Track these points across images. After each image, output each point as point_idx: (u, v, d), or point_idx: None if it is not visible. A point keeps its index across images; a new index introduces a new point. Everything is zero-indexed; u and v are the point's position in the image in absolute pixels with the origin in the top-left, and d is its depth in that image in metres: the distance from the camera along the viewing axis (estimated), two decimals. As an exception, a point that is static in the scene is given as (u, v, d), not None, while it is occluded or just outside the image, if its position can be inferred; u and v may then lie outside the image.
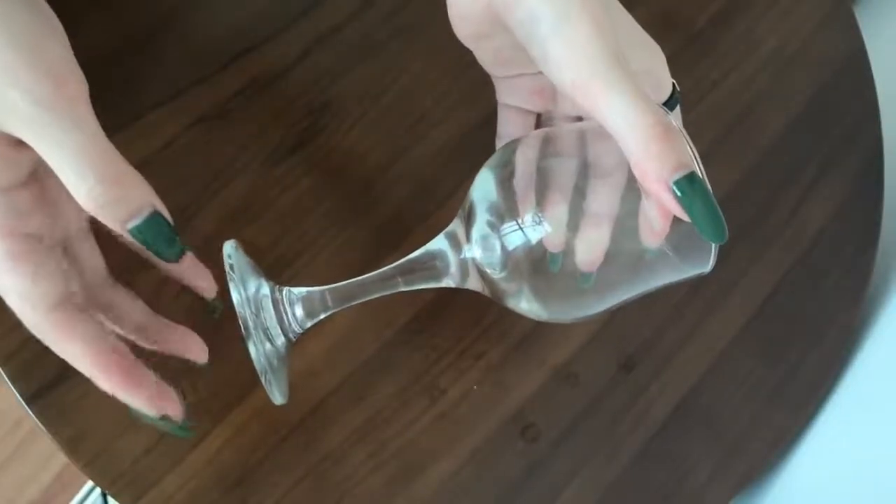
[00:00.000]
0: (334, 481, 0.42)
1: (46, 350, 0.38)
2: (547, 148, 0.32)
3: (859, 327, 0.55)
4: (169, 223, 0.28)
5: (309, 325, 0.34)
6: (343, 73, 0.44)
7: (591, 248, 0.30)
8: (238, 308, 0.31)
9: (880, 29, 0.68)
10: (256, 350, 0.31)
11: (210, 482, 0.40)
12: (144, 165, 0.40)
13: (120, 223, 0.27)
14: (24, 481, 0.97)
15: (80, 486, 0.90)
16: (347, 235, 0.43)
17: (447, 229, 0.34)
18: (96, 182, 0.26)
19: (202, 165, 0.41)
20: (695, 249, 0.30)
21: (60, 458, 0.93)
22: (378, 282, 0.34)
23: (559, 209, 0.30)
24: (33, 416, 0.38)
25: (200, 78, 0.42)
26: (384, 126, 0.44)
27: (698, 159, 0.28)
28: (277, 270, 0.42)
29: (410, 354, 0.44)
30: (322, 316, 0.34)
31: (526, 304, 0.33)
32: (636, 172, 0.27)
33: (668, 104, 0.35)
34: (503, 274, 0.32)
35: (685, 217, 0.27)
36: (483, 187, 0.32)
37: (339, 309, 0.34)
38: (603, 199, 0.30)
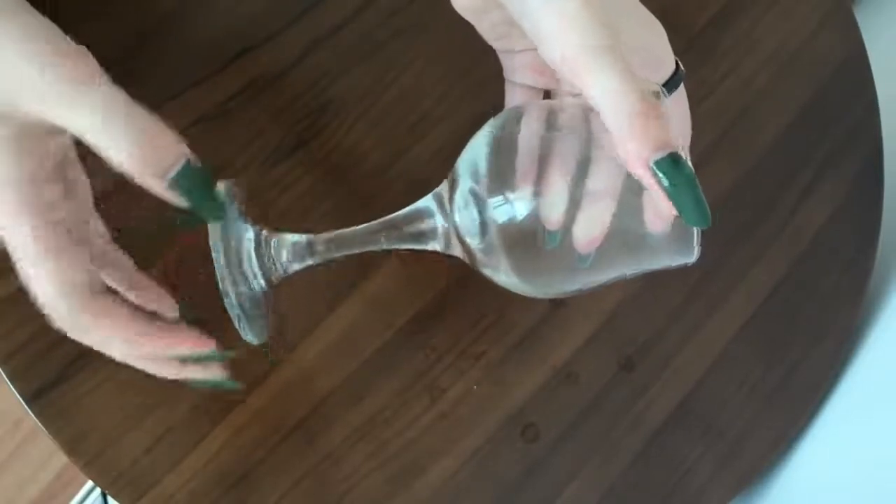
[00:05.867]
0: (334, 481, 0.42)
1: (47, 350, 0.38)
2: (550, 121, 0.32)
3: (859, 327, 0.55)
4: (203, 167, 0.29)
5: (293, 269, 0.33)
6: (343, 73, 0.44)
7: (589, 227, 0.30)
8: (212, 243, 0.31)
9: (880, 29, 0.68)
10: (230, 291, 0.31)
11: (210, 482, 0.40)
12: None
13: (160, 179, 0.28)
14: (24, 481, 0.97)
15: (80, 486, 0.90)
16: (347, 235, 0.43)
17: (436, 190, 0.33)
18: (134, 145, 0.27)
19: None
20: (681, 236, 0.29)
21: (60, 458, 0.93)
22: (363, 235, 0.33)
23: (558, 185, 0.30)
24: (33, 415, 0.38)
25: (200, 78, 0.42)
26: (384, 126, 0.44)
27: (684, 145, 0.28)
28: (277, 270, 0.42)
29: (410, 354, 0.44)
30: (296, 266, 0.33)
31: (504, 277, 0.32)
32: (618, 151, 0.27)
33: (672, 82, 0.34)
34: (481, 245, 0.31)
35: (665, 199, 0.26)
36: (472, 153, 0.32)
37: (318, 262, 0.34)
38: (604, 178, 0.30)
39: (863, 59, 0.57)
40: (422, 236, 0.33)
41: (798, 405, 0.53)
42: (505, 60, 0.37)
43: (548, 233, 0.30)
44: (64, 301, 0.29)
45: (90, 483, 0.87)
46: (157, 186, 0.28)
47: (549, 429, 0.46)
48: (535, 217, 0.30)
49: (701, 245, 0.29)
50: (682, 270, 0.50)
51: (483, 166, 0.31)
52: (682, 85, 0.35)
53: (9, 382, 0.37)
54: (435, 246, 0.33)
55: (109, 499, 0.44)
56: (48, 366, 0.38)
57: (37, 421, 0.38)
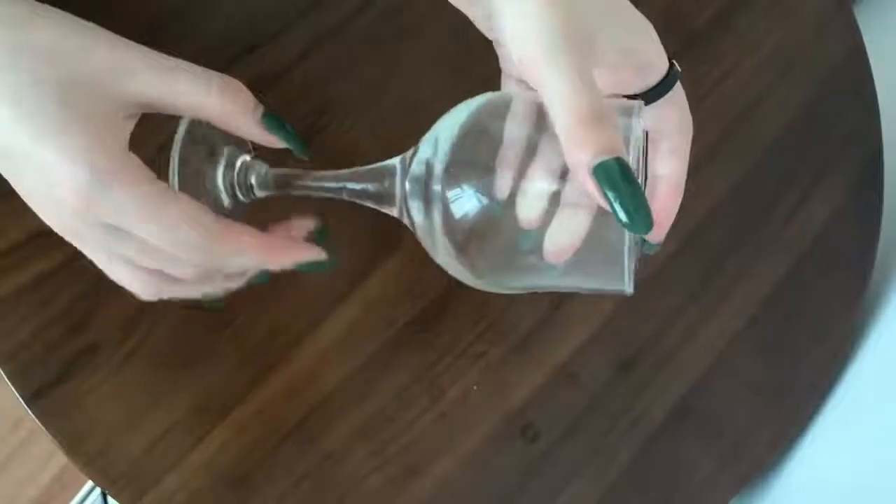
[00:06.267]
0: (335, 481, 0.42)
1: (47, 350, 0.38)
2: (538, 118, 0.30)
3: (859, 327, 0.55)
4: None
5: (260, 195, 0.34)
6: (343, 73, 0.44)
7: (566, 235, 0.29)
8: (172, 155, 0.33)
9: (880, 29, 0.68)
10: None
11: (210, 482, 0.40)
12: (146, 165, 0.40)
13: (254, 118, 0.32)
14: (24, 481, 0.96)
15: (80, 486, 0.90)
16: (345, 235, 0.43)
17: (405, 153, 0.33)
18: (230, 99, 0.30)
19: (202, 165, 0.41)
20: (615, 263, 0.28)
21: (60, 458, 0.93)
22: (328, 180, 0.34)
23: (539, 186, 0.29)
24: (33, 415, 0.38)
25: (200, 78, 0.42)
26: (384, 126, 0.44)
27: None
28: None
29: (411, 354, 0.44)
30: (262, 194, 0.34)
31: (442, 258, 0.32)
32: (564, 156, 0.27)
33: (664, 84, 0.33)
34: (424, 221, 0.31)
35: (605, 205, 0.26)
36: (440, 131, 0.31)
37: (274, 193, 0.34)
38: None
39: (863, 59, 0.57)
40: (381, 197, 0.33)
41: (798, 405, 0.53)
42: (499, 50, 0.37)
43: (522, 232, 0.29)
44: (200, 233, 0.30)
45: (90, 483, 0.87)
46: (252, 126, 0.32)
47: (549, 429, 0.46)
48: (492, 214, 0.29)
49: (634, 277, 0.28)
50: (683, 270, 0.50)
51: (446, 147, 0.30)
52: (678, 86, 0.34)
53: (9, 382, 0.37)
54: (392, 211, 0.33)
55: (109, 499, 0.44)
56: (48, 366, 0.38)
57: (37, 421, 0.38)
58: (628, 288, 0.29)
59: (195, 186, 0.33)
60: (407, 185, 0.31)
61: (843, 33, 0.57)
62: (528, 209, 0.29)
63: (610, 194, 0.26)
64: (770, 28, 0.54)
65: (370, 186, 0.33)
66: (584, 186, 0.26)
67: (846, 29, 0.57)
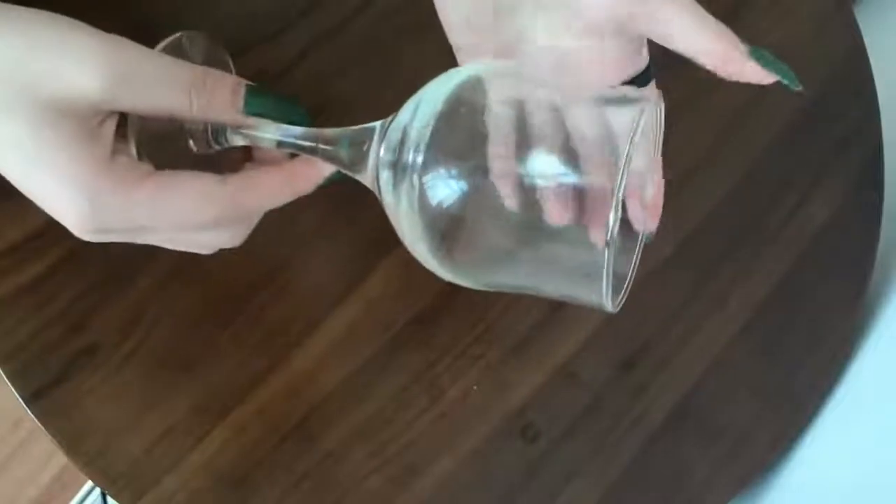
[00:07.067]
0: (335, 481, 0.42)
1: (47, 350, 0.38)
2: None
3: (859, 327, 0.55)
4: (259, 84, 0.31)
5: (236, 142, 0.33)
6: (343, 73, 0.44)
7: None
8: None
9: (880, 29, 0.68)
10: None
11: (210, 482, 0.40)
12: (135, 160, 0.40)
13: (232, 109, 0.30)
14: (24, 481, 0.96)
15: (80, 486, 0.90)
16: (343, 236, 0.43)
17: (385, 119, 0.31)
18: (197, 96, 0.29)
19: (202, 165, 0.41)
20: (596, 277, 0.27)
21: (60, 458, 0.93)
22: (303, 135, 0.32)
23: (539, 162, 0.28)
24: (33, 415, 0.38)
25: (200, 78, 0.42)
26: (384, 126, 0.44)
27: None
28: (273, 271, 0.42)
29: (410, 354, 0.44)
30: (239, 141, 0.33)
31: (408, 238, 0.30)
32: (717, 63, 0.32)
33: (643, 77, 0.34)
34: (392, 193, 0.29)
35: (770, 80, 0.31)
36: (425, 100, 0.30)
37: (247, 141, 0.33)
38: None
39: (863, 58, 0.57)
40: (353, 162, 0.31)
41: (798, 405, 0.53)
42: (461, 57, 0.36)
43: (504, 220, 0.28)
44: (220, 204, 0.30)
45: (90, 483, 0.87)
46: (240, 119, 0.31)
47: (549, 429, 0.46)
48: (470, 198, 0.28)
49: (610, 290, 0.27)
50: (683, 270, 0.50)
51: (424, 119, 0.29)
52: (653, 84, 0.34)
53: (9, 382, 0.37)
54: (363, 178, 0.31)
55: (109, 499, 0.44)
56: (48, 366, 0.38)
57: (37, 421, 0.38)
58: (607, 303, 0.27)
59: (164, 137, 0.31)
60: (381, 152, 0.30)
61: (843, 33, 0.56)
62: (512, 195, 0.28)
63: (776, 67, 0.31)
64: (770, 28, 0.54)
65: (344, 150, 0.31)
66: (740, 73, 0.32)
67: (846, 29, 0.57)
